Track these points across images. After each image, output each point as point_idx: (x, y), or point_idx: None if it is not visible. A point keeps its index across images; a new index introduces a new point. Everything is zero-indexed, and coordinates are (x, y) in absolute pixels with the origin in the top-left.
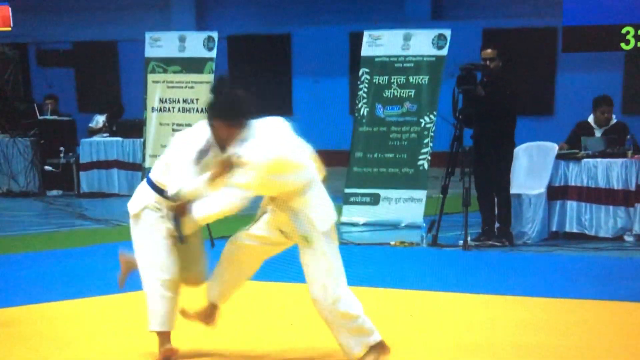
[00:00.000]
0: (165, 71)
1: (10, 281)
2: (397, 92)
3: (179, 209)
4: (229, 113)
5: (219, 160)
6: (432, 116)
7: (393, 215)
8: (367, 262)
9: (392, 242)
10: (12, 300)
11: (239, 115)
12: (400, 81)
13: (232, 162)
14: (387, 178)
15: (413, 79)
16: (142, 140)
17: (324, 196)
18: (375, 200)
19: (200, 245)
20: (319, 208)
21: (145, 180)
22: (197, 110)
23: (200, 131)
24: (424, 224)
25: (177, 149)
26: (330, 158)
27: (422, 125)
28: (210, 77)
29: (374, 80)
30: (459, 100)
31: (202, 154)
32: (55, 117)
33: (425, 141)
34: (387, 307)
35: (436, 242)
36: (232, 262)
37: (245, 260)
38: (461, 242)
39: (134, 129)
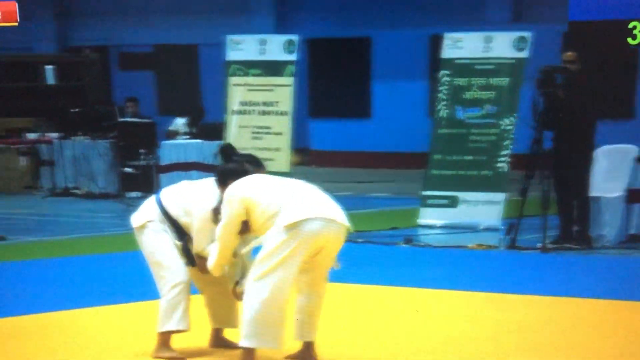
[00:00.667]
0: (245, 74)
1: (88, 281)
2: (477, 94)
3: (202, 268)
4: (218, 179)
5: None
6: (512, 118)
7: (471, 217)
8: (444, 265)
9: (470, 245)
10: (89, 301)
11: (225, 180)
12: (480, 83)
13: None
14: (466, 180)
15: (493, 81)
16: (222, 142)
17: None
18: (453, 202)
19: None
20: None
21: (154, 197)
22: (277, 113)
23: (212, 190)
24: (503, 227)
25: (195, 208)
26: (409, 160)
27: (502, 127)
28: (290, 80)
29: (454, 83)
30: (539, 103)
31: (217, 211)
32: (135, 119)
33: (505, 143)
34: (463, 310)
35: (514, 245)
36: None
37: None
38: (540, 244)
39: (214, 131)
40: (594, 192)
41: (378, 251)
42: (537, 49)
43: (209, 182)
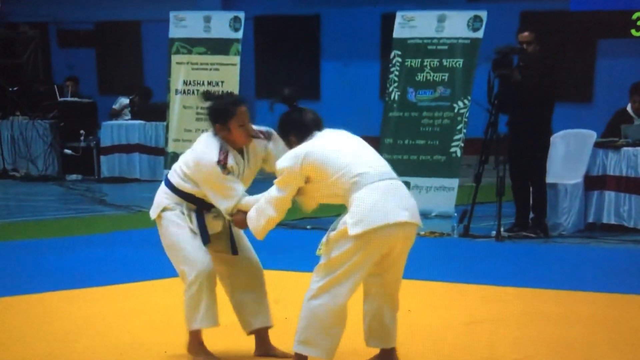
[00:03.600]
0: (189, 52)
1: (26, 268)
2: (430, 75)
3: (239, 223)
4: (280, 131)
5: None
6: (466, 101)
7: (423, 204)
8: None
9: (422, 232)
10: (30, 288)
11: (286, 133)
12: (433, 64)
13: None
14: (418, 165)
15: (447, 62)
16: (165, 123)
17: (374, 199)
18: None
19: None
20: (356, 211)
21: (163, 183)
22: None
23: (208, 146)
24: (456, 214)
25: (198, 170)
26: None
27: (456, 110)
28: (236, 59)
29: (406, 64)
30: (494, 85)
31: (223, 164)
32: (75, 99)
33: (459, 127)
34: (416, 299)
35: (468, 233)
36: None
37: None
38: (494, 232)
39: (157, 112)
40: (551, 178)
41: None
42: (493, 29)
43: (203, 138)
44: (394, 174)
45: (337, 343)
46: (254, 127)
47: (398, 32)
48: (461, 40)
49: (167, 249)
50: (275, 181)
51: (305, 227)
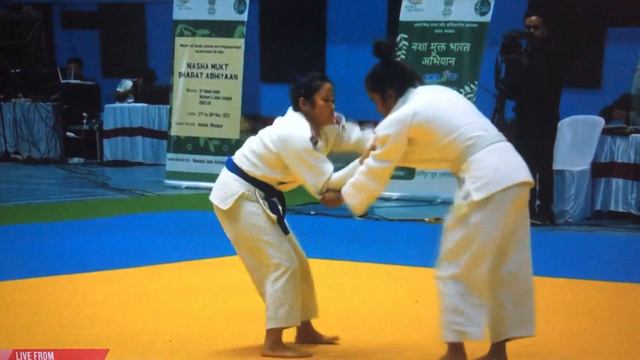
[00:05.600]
0: (193, 35)
1: (28, 252)
2: (437, 59)
3: (332, 201)
4: (375, 84)
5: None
6: (472, 86)
7: (428, 190)
8: (399, 239)
9: (427, 219)
10: (32, 272)
11: (382, 86)
12: (440, 48)
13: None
14: None
15: (454, 46)
16: (168, 107)
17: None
18: (409, 173)
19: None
20: (478, 175)
21: (226, 168)
22: (227, 77)
23: (296, 123)
24: None
25: (285, 146)
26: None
27: (463, 95)
28: (240, 42)
29: (413, 47)
30: (501, 70)
31: (315, 141)
32: (78, 81)
33: None
34: (423, 288)
35: None
36: None
37: None
38: None
39: (160, 95)
40: (558, 165)
41: (332, 224)
42: (501, 13)
43: (287, 116)
44: (503, 136)
45: (485, 324)
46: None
47: (405, 15)
48: (468, 24)
49: (248, 242)
50: (374, 153)
51: (309, 213)
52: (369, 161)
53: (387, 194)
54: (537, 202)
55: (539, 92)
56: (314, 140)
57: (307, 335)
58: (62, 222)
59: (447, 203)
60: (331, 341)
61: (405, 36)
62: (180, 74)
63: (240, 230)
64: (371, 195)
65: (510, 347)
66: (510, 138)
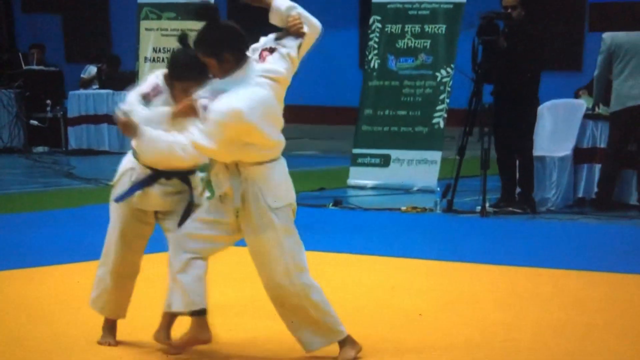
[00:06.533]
0: (159, 18)
1: None
2: (412, 42)
3: (127, 124)
4: (207, 46)
5: (185, 100)
6: (449, 69)
7: (405, 178)
8: (375, 229)
9: (403, 208)
10: None
11: (220, 49)
12: (414, 30)
13: (196, 108)
14: (399, 138)
15: (429, 28)
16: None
17: (285, 176)
18: (385, 161)
19: None
20: (278, 186)
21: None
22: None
23: (151, 77)
24: (438, 188)
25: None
26: (337, 115)
27: (438, 79)
28: None
29: (386, 30)
30: (478, 53)
31: (146, 97)
32: (41, 67)
33: (441, 97)
34: (396, 278)
35: (451, 208)
36: None
37: None
38: (479, 208)
39: (126, 81)
40: (538, 151)
41: (305, 214)
42: None
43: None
44: None
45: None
46: (205, 102)
47: None
48: (443, 4)
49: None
50: (204, 129)
51: None
52: (194, 134)
53: (362, 182)
54: (518, 190)
55: (517, 75)
56: (148, 98)
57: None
58: (25, 213)
59: (424, 191)
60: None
61: (379, 18)
62: (146, 58)
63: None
64: (169, 150)
65: (494, 340)
66: (489, 123)
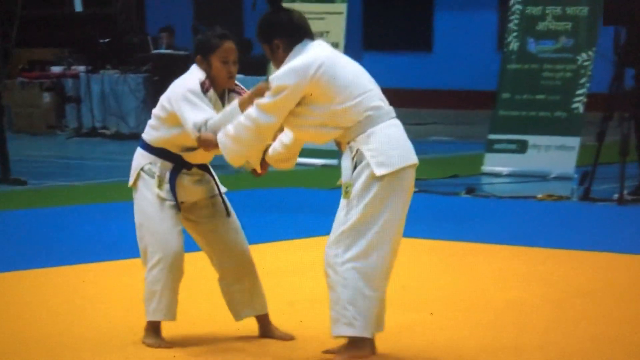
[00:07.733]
0: (294, 1)
1: (116, 232)
2: (552, 24)
3: (207, 142)
4: (260, 32)
5: (256, 87)
6: (590, 53)
7: (541, 164)
8: (510, 217)
9: (539, 195)
10: (116, 254)
11: (269, 36)
12: (555, 12)
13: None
14: (537, 123)
15: (570, 9)
16: (266, 78)
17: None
18: (522, 147)
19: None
20: (380, 149)
21: (139, 147)
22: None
23: (191, 72)
24: (576, 176)
25: (175, 91)
26: (474, 99)
27: (579, 63)
28: (343, 7)
29: (527, 11)
30: (621, 35)
31: (206, 88)
32: (170, 51)
33: (582, 81)
34: (530, 268)
35: (588, 196)
36: None
37: None
38: (616, 195)
39: (256, 65)
40: None
41: (436, 202)
42: None
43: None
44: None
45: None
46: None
47: None
48: None
49: (137, 224)
50: (260, 102)
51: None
52: (251, 112)
53: (497, 168)
54: None
55: None
56: (205, 87)
57: (262, 329)
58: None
59: (562, 179)
60: (283, 337)
61: (519, 0)
62: None
63: (135, 214)
64: (250, 148)
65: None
66: (630, 108)
